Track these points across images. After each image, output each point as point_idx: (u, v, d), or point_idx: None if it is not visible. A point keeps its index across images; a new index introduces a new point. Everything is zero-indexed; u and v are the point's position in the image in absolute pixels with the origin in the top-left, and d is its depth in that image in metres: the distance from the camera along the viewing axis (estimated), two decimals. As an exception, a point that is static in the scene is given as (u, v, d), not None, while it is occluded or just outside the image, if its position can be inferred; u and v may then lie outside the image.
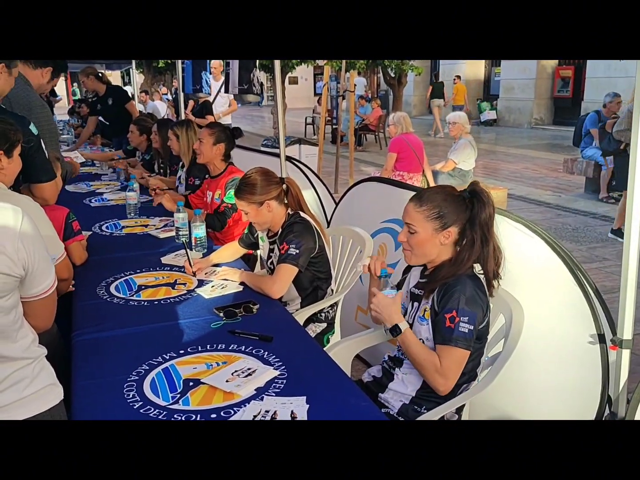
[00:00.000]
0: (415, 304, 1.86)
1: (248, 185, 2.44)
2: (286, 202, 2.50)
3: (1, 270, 1.22)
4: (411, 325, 1.81)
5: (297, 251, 2.34)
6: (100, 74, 5.85)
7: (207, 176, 3.48)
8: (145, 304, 2.20)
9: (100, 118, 7.60)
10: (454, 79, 15.34)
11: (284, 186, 2.49)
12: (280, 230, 2.49)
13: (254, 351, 1.81)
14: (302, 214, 2.49)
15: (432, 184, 5.81)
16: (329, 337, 2.59)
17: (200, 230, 2.80)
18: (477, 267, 1.80)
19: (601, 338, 2.05)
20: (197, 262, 2.54)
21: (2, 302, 1.25)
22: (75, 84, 24.52)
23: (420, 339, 1.76)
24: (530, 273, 2.24)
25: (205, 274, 2.52)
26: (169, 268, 2.60)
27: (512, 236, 2.28)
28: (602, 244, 5.65)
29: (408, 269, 2.02)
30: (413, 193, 3.02)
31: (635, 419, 1.79)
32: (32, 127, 2.27)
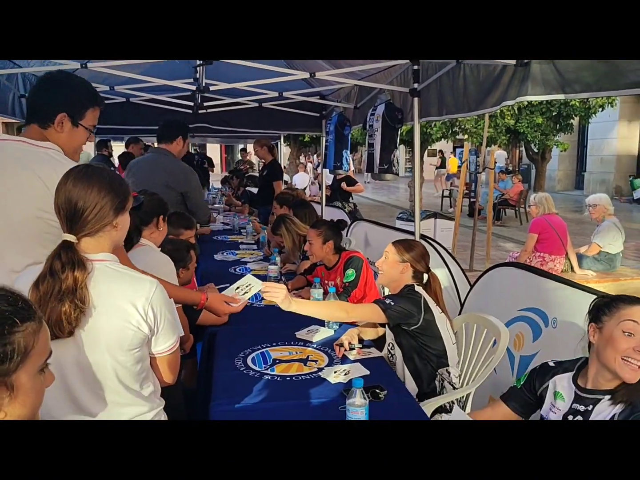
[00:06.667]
0: (578, 417, 1.74)
1: (410, 244, 2.65)
2: (422, 285, 2.60)
3: (133, 323, 1.49)
4: None
5: (392, 302, 2.45)
6: (272, 146, 6.49)
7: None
8: (278, 379, 2.30)
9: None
10: (450, 154, 20.82)
11: (428, 275, 2.61)
12: None
13: (379, 441, 1.80)
14: (416, 287, 2.57)
15: (576, 268, 5.51)
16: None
17: (334, 308, 2.89)
18: None
19: None
20: (348, 332, 2.67)
21: (132, 353, 1.52)
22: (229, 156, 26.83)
23: None
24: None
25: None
26: (302, 343, 2.70)
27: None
28: None
29: (543, 373, 1.92)
30: (555, 282, 2.94)
31: None
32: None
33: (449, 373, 2.52)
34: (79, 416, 1.51)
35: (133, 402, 1.56)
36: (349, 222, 5.53)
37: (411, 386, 2.49)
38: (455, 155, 20.26)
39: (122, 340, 1.49)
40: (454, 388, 2.52)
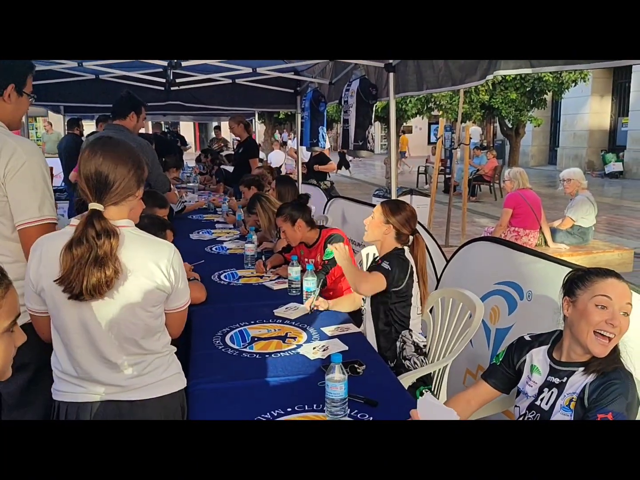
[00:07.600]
0: (553, 390, 1.77)
1: (398, 206, 2.70)
2: (406, 246, 2.67)
3: (157, 282, 1.65)
4: (546, 412, 1.75)
5: (389, 268, 2.52)
6: (248, 123, 6.38)
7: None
8: (257, 356, 2.30)
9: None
10: (402, 131, 20.42)
11: (413, 237, 2.68)
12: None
13: (358, 415, 1.82)
14: (406, 252, 2.64)
15: (549, 242, 5.59)
16: (423, 390, 2.54)
17: (311, 284, 2.89)
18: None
19: None
20: (319, 302, 2.79)
21: (154, 309, 1.69)
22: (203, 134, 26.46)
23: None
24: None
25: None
26: (280, 320, 2.70)
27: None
28: None
29: (520, 347, 1.95)
30: (529, 256, 2.98)
31: None
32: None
33: (411, 335, 2.61)
34: (105, 367, 1.66)
35: (153, 351, 1.72)
36: (310, 195, 5.48)
37: (372, 339, 2.62)
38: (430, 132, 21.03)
39: (148, 298, 1.64)
40: (417, 348, 2.59)
